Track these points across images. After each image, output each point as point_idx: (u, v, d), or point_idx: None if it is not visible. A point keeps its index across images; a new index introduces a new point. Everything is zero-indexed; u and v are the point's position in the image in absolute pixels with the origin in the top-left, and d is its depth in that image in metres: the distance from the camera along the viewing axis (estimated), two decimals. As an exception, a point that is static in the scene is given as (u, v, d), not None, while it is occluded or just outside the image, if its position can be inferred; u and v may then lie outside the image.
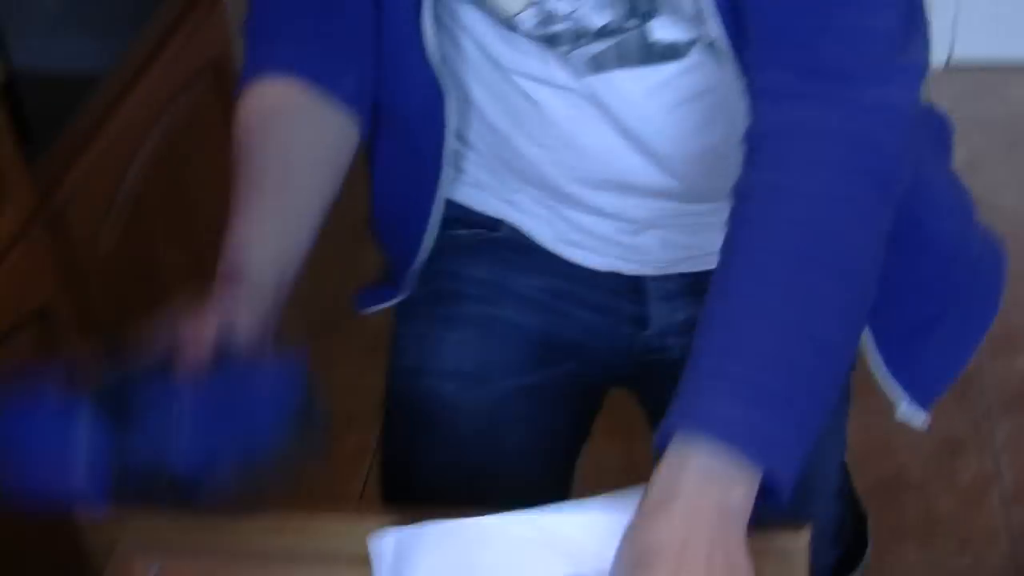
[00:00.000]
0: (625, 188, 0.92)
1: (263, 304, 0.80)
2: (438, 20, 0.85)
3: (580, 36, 0.82)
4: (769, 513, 0.69)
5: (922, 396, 0.92)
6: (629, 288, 0.99)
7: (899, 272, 0.81)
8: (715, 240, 0.76)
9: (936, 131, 0.96)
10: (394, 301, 1.02)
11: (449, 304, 1.01)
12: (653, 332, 1.00)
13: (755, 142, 0.75)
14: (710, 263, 0.77)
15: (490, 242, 1.00)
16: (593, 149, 0.89)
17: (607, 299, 1.00)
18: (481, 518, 0.76)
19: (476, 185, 0.99)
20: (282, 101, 0.87)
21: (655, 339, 1.01)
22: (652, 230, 0.95)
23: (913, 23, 0.74)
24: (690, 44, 0.82)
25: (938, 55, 2.37)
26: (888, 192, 0.73)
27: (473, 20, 0.86)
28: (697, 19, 0.79)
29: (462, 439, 1.01)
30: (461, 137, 0.94)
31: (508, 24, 0.83)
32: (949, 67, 2.42)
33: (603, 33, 0.81)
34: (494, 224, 1.00)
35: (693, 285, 0.96)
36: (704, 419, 0.68)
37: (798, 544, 0.75)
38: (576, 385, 1.04)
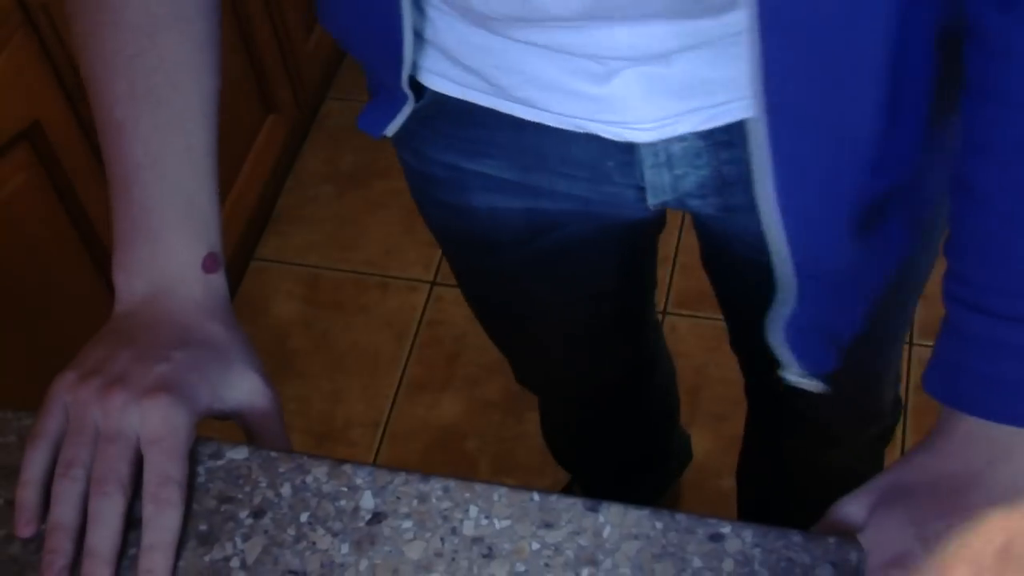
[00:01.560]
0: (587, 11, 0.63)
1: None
2: None
3: None
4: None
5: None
6: (617, 153, 0.77)
7: None
8: (727, 78, 0.63)
9: None
10: (404, 114, 0.79)
11: (421, 186, 0.90)
12: (657, 202, 0.81)
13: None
14: (727, 115, 0.66)
15: (438, 116, 0.81)
16: None
17: (587, 171, 0.80)
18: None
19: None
20: None
21: (670, 203, 0.82)
22: (628, 71, 0.68)
23: None
24: None
25: None
26: None
27: None
28: None
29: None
30: None
31: None
32: None
33: None
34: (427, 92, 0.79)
35: (708, 146, 0.74)
36: None
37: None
38: (600, 232, 0.88)
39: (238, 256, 1.88)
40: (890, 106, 0.61)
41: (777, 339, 0.75)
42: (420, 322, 1.83)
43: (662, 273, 1.78)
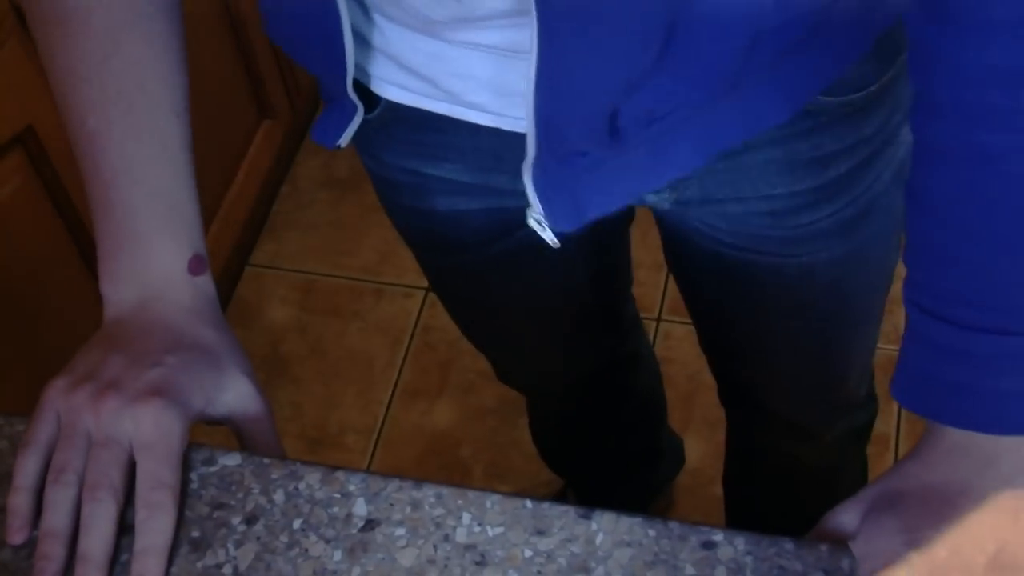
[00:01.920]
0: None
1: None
2: None
3: None
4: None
5: None
6: None
7: None
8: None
9: None
10: (355, 123, 0.78)
11: (385, 191, 0.90)
12: None
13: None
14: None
15: (394, 123, 0.80)
16: None
17: None
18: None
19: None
20: None
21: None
22: None
23: None
24: None
25: None
26: None
27: None
28: None
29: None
30: None
31: None
32: None
33: None
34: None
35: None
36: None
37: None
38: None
39: (233, 262, 1.87)
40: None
41: (526, 178, 0.71)
42: (414, 328, 1.83)
43: (656, 279, 1.78)
